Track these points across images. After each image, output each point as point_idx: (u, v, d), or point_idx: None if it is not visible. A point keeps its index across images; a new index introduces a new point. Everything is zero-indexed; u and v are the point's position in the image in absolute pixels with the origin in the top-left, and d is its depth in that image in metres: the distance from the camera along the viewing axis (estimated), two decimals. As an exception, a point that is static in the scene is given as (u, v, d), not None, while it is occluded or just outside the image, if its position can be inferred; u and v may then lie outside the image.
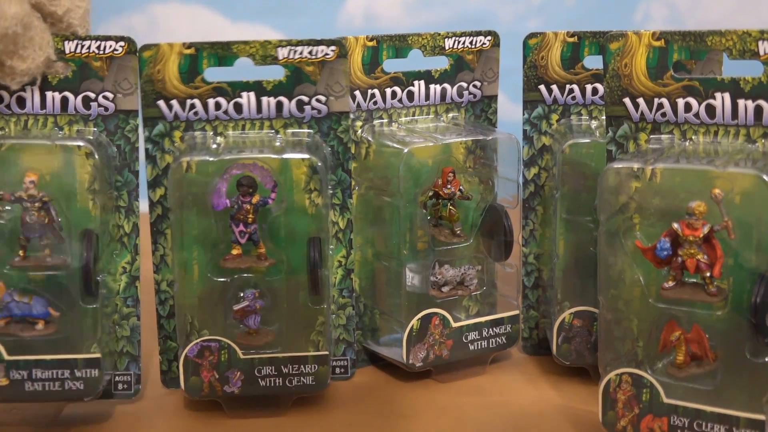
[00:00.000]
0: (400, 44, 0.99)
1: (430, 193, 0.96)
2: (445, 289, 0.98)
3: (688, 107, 0.82)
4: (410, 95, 1.00)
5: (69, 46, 0.91)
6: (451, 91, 1.01)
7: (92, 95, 0.91)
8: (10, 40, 0.82)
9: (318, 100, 0.92)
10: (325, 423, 0.90)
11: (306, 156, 0.90)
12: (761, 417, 0.76)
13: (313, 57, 0.92)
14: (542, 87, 0.98)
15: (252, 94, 0.92)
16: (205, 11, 1.96)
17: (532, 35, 0.98)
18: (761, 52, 0.79)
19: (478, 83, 1.01)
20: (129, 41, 0.92)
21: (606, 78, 0.85)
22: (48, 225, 0.87)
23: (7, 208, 0.88)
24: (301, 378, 0.90)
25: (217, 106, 0.92)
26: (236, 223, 0.89)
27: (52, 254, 0.88)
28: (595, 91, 0.97)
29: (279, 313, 0.92)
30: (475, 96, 1.02)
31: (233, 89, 0.92)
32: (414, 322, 0.94)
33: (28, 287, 0.88)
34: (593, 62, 0.97)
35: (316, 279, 0.89)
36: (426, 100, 1.00)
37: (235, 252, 0.90)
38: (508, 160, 0.99)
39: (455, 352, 0.97)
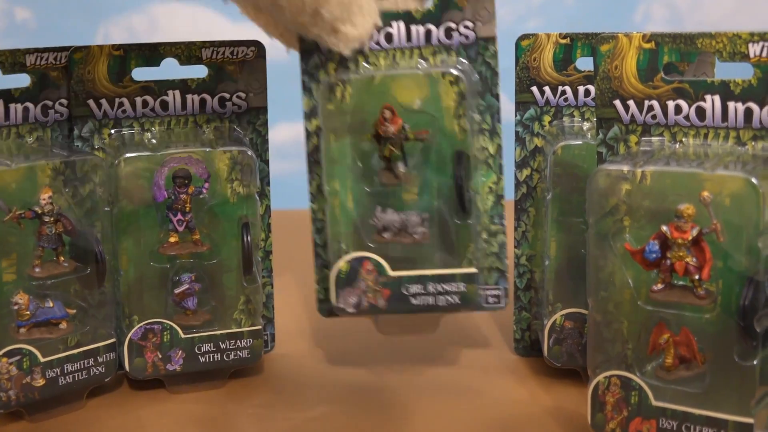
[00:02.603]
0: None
1: (371, 134, 0.91)
2: (386, 234, 0.91)
3: (678, 109, 0.82)
4: (388, 37, 0.92)
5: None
6: (437, 32, 0.93)
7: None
8: (345, 8, 0.85)
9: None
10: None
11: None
12: (749, 420, 0.76)
13: None
14: (534, 88, 0.98)
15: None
16: (205, 11, 1.96)
17: (524, 36, 0.98)
18: (751, 54, 0.79)
19: (469, 23, 0.93)
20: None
21: (596, 80, 0.85)
22: (63, 233, 0.91)
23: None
24: (238, 352, 0.97)
25: None
26: (174, 212, 0.95)
27: (66, 260, 0.92)
28: (587, 93, 0.97)
29: (213, 293, 0.98)
30: (467, 38, 0.93)
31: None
32: (341, 264, 0.90)
33: (46, 291, 0.91)
34: (586, 64, 0.97)
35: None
36: (407, 42, 0.93)
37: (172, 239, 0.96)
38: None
39: (394, 304, 0.90)
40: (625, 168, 0.80)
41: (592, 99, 0.97)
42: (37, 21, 1.94)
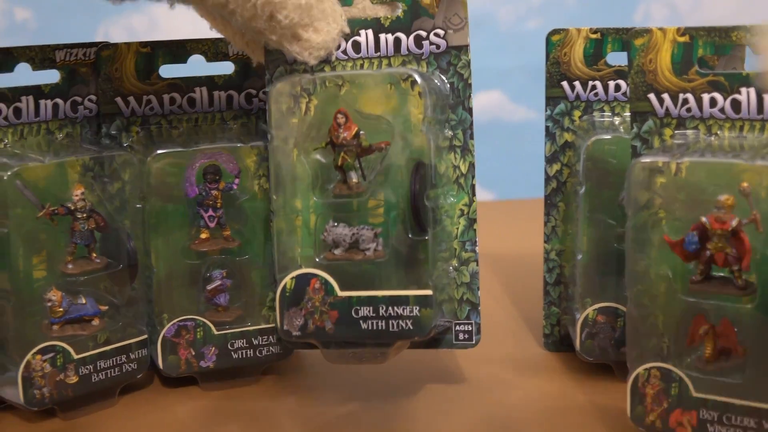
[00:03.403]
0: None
1: (326, 140, 0.88)
2: (337, 251, 0.87)
3: (713, 102, 0.82)
4: (356, 46, 0.90)
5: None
6: (407, 41, 0.90)
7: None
8: (305, 11, 0.83)
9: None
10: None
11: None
12: None
13: None
14: (565, 83, 0.98)
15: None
16: (205, 11, 1.95)
17: (554, 32, 0.98)
18: None
19: (440, 32, 0.89)
20: None
21: (631, 74, 0.85)
22: (96, 230, 0.91)
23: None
24: (270, 348, 0.96)
25: None
26: (205, 208, 0.95)
27: (98, 257, 0.92)
28: (617, 88, 0.97)
29: (244, 290, 0.97)
30: (438, 47, 0.90)
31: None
32: (287, 280, 0.87)
33: (78, 288, 0.91)
34: (616, 58, 0.98)
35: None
36: (376, 52, 0.90)
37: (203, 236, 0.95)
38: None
39: (342, 328, 0.86)
40: (662, 160, 0.80)
41: (623, 94, 0.97)
42: (37, 21, 1.92)
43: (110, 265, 0.92)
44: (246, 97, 1.00)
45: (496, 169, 1.56)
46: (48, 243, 0.89)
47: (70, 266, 0.90)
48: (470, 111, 0.89)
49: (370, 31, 0.90)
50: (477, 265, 0.89)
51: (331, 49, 0.88)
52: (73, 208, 0.89)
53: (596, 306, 0.95)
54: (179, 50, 0.98)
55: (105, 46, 0.95)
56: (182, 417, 0.91)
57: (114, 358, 0.92)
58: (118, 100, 0.96)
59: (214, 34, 1.00)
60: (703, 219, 0.79)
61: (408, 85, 0.87)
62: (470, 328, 0.90)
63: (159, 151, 0.93)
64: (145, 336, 0.94)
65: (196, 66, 0.99)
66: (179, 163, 0.94)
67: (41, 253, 0.89)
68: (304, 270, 0.87)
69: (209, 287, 0.95)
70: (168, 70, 0.98)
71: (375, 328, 0.85)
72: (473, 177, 0.89)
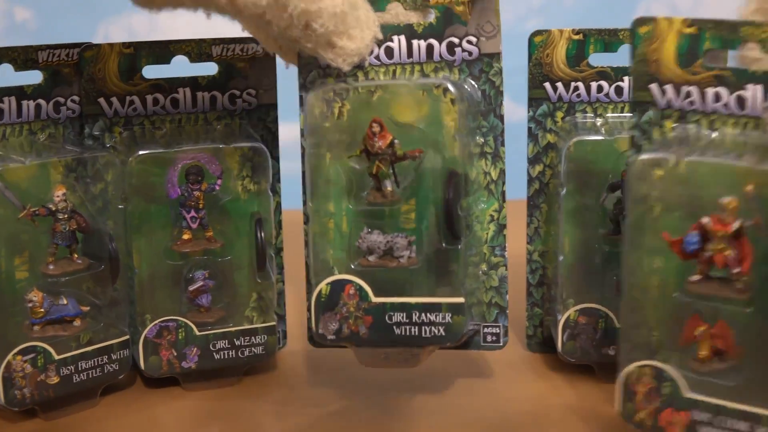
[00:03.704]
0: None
1: (361, 148, 0.88)
2: (371, 257, 0.88)
3: (717, 97, 0.80)
4: (389, 52, 0.90)
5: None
6: (439, 47, 0.90)
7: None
8: (340, 20, 0.83)
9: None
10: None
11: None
12: None
13: None
14: (547, 84, 0.98)
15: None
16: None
17: (537, 33, 0.98)
18: None
19: (473, 39, 0.90)
20: None
21: (633, 62, 0.83)
22: (78, 231, 0.91)
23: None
24: (252, 348, 0.96)
25: None
26: (187, 209, 0.95)
27: (80, 257, 0.92)
28: (600, 89, 0.97)
29: (226, 290, 0.97)
30: (470, 54, 0.90)
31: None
32: (323, 286, 0.88)
33: (59, 289, 0.91)
34: (598, 59, 0.97)
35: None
36: (408, 58, 0.90)
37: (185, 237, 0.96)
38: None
39: (375, 333, 0.87)
40: (664, 156, 0.79)
41: (605, 95, 0.97)
42: (37, 21, 1.93)
43: (92, 266, 0.92)
44: (230, 98, 1.00)
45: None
46: (30, 244, 0.90)
47: (51, 267, 0.90)
48: (501, 118, 0.90)
49: (402, 37, 0.90)
50: (506, 269, 0.90)
51: (364, 56, 0.88)
52: (54, 209, 0.89)
53: (578, 307, 0.95)
54: (162, 51, 0.98)
55: (88, 46, 0.95)
56: (164, 417, 0.92)
57: (95, 359, 0.92)
58: (101, 100, 0.96)
59: (199, 35, 1.01)
60: (705, 219, 0.78)
61: (440, 93, 0.87)
62: (498, 331, 0.91)
63: (141, 152, 0.93)
64: (127, 337, 0.94)
65: (180, 67, 0.99)
66: (161, 163, 0.94)
67: (23, 254, 0.89)
68: (338, 276, 0.88)
69: (191, 288, 0.96)
70: (151, 71, 0.98)
71: (408, 333, 0.87)
72: (503, 183, 0.90)
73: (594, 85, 0.97)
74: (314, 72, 0.90)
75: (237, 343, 0.96)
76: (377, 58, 0.89)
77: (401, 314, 0.86)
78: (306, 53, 0.87)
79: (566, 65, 0.97)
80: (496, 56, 0.89)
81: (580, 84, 0.98)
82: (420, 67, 0.90)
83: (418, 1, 0.91)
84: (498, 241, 0.90)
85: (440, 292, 0.87)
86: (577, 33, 0.97)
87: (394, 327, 0.87)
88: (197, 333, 0.95)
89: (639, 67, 0.83)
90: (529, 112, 0.99)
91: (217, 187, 0.96)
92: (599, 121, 0.97)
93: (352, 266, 0.89)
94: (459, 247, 0.87)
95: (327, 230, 0.90)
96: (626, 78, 0.96)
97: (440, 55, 0.90)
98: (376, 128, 0.87)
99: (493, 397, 0.95)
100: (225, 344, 0.96)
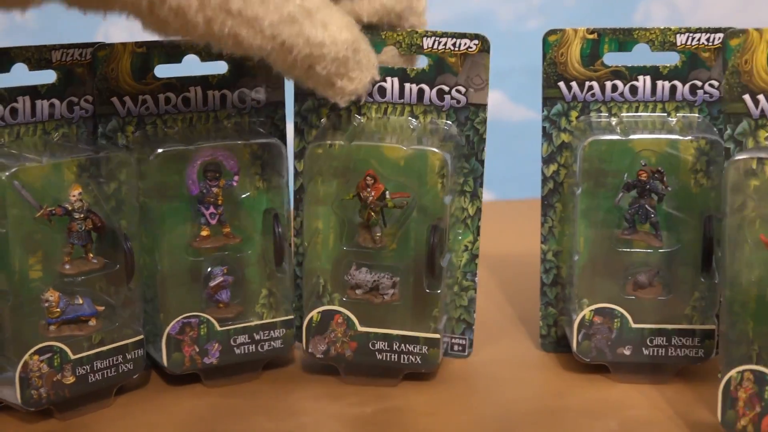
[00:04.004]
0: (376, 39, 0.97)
1: (353, 194, 0.95)
2: (358, 291, 0.96)
3: None
4: (382, 91, 0.98)
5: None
6: (430, 92, 0.98)
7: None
8: (341, 64, 0.88)
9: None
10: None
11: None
12: None
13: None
14: (561, 84, 0.98)
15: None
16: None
17: (551, 32, 0.98)
18: None
19: (462, 89, 0.97)
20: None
21: (726, 75, 0.83)
22: (93, 230, 0.91)
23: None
24: (271, 342, 0.98)
25: None
26: (206, 206, 0.96)
27: (95, 257, 0.92)
28: (614, 88, 0.97)
29: (243, 286, 0.99)
30: (458, 102, 0.98)
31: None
32: (314, 314, 0.96)
33: (74, 288, 0.91)
34: (613, 59, 0.97)
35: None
36: (400, 99, 0.98)
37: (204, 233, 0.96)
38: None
39: (360, 356, 0.96)
40: (755, 159, 0.80)
41: (620, 94, 0.97)
42: (37, 21, 1.92)
43: (107, 265, 0.92)
44: (239, 96, 1.00)
45: (496, 169, 1.56)
46: (44, 243, 0.89)
47: (67, 267, 0.90)
48: (482, 162, 0.98)
49: (396, 79, 0.97)
50: (475, 292, 1.01)
51: (361, 95, 0.94)
52: (70, 208, 0.89)
53: (593, 307, 0.95)
54: (174, 50, 0.98)
55: (101, 46, 0.95)
56: (179, 416, 0.91)
57: (110, 359, 0.92)
58: (114, 100, 0.96)
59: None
60: None
61: (429, 152, 0.94)
62: (464, 342, 1.02)
63: (160, 150, 0.93)
64: (141, 336, 0.94)
65: (191, 65, 0.99)
66: (181, 160, 0.94)
67: (37, 254, 0.89)
68: (329, 307, 0.96)
69: (211, 284, 0.96)
70: (163, 70, 0.98)
71: (388, 359, 0.96)
72: (479, 219, 0.99)
73: (608, 84, 0.97)
74: (310, 101, 0.98)
75: (257, 337, 0.97)
76: (370, 95, 0.97)
77: (383, 343, 0.96)
78: (304, 87, 0.92)
79: (581, 64, 0.98)
80: (482, 107, 0.97)
81: (595, 83, 0.98)
82: (410, 108, 0.97)
83: (413, 48, 0.97)
84: (470, 268, 1.00)
85: (419, 327, 0.95)
86: (592, 32, 0.97)
87: (377, 353, 0.96)
88: (218, 328, 0.96)
89: (732, 79, 0.83)
90: (543, 111, 0.99)
91: (235, 183, 0.96)
92: (614, 121, 0.97)
93: (344, 299, 0.96)
94: (438, 292, 0.95)
95: (315, 245, 0.97)
96: (641, 77, 0.97)
97: (430, 100, 0.97)
98: (369, 181, 0.94)
99: (506, 396, 0.95)
100: (245, 339, 0.97)
